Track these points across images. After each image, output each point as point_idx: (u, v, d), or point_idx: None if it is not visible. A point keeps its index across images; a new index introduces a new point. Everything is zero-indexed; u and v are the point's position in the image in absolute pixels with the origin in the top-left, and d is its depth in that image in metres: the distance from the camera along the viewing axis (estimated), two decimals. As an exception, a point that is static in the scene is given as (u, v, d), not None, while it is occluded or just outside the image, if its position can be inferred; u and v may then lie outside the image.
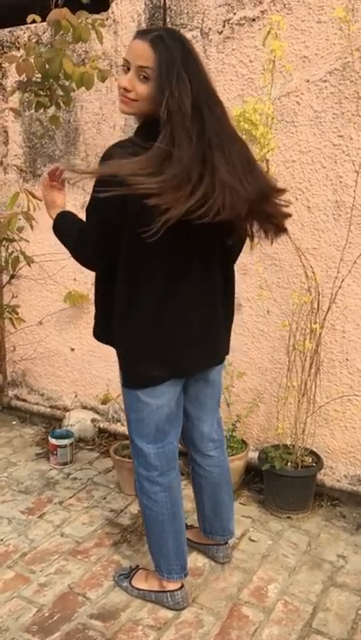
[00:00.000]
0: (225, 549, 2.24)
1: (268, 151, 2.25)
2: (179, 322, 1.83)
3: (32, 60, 2.47)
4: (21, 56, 2.51)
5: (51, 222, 1.95)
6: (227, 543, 2.25)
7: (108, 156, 1.66)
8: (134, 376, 1.88)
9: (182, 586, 2.02)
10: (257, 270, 2.70)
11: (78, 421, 3.24)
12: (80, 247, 1.82)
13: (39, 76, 2.52)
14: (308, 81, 2.46)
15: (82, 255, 1.83)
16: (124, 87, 1.67)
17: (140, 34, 1.68)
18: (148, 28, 1.74)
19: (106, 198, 1.58)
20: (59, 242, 1.92)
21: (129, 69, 1.67)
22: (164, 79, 1.59)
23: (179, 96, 1.58)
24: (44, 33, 3.04)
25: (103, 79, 2.53)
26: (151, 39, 1.63)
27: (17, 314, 3.31)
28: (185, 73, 1.60)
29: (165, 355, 1.84)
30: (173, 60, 1.60)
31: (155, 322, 1.81)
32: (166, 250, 1.71)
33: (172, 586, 2.01)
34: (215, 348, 2.00)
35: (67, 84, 2.58)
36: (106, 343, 1.98)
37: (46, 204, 1.99)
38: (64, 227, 1.91)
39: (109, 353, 2.03)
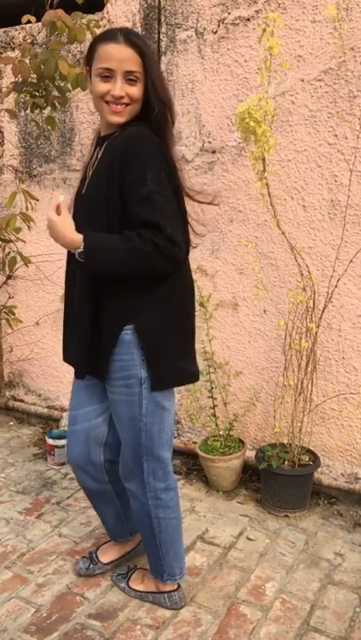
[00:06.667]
0: None
1: (269, 149, 2.24)
2: (194, 311, 1.88)
3: (28, 62, 2.46)
4: (17, 57, 2.51)
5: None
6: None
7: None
8: (169, 374, 1.77)
9: (179, 586, 2.03)
10: (253, 270, 2.71)
11: (76, 422, 3.24)
12: (164, 242, 1.59)
13: (35, 76, 2.52)
14: (302, 80, 2.47)
15: (171, 246, 1.60)
16: (119, 96, 1.65)
17: (109, 37, 1.66)
18: (107, 30, 1.74)
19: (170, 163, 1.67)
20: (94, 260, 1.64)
21: (108, 77, 1.65)
22: (155, 73, 1.68)
23: (164, 87, 1.74)
24: (39, 33, 3.04)
25: (98, 79, 2.53)
26: (127, 40, 1.64)
27: (14, 314, 3.31)
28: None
29: (193, 349, 1.85)
30: (152, 53, 1.71)
31: (187, 312, 1.81)
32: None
33: (169, 587, 2.01)
34: None
35: (62, 84, 2.58)
36: (100, 377, 1.82)
37: (65, 230, 1.64)
38: (109, 241, 1.64)
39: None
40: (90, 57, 1.70)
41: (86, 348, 1.78)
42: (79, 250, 1.63)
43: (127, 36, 1.65)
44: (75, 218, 1.82)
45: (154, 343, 1.73)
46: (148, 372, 1.75)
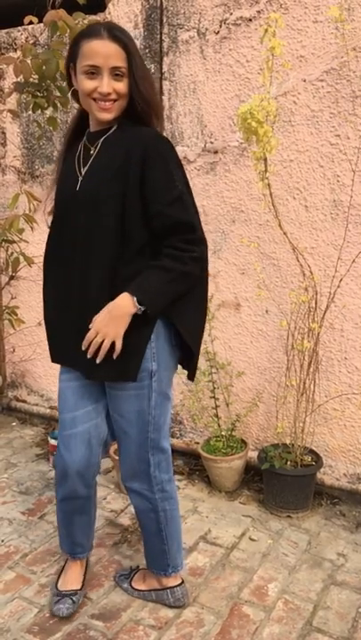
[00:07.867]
0: None
1: (271, 149, 2.24)
2: None
3: (29, 62, 2.47)
4: (18, 57, 2.52)
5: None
6: None
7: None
8: (193, 364, 1.86)
9: (182, 582, 2.03)
10: (255, 270, 2.71)
11: (78, 422, 3.24)
12: (200, 245, 1.67)
13: (36, 77, 2.53)
14: (304, 80, 2.46)
15: (202, 248, 1.69)
16: (107, 92, 1.64)
17: (93, 33, 1.64)
18: (89, 26, 1.71)
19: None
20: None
21: (94, 74, 1.63)
22: (139, 69, 1.66)
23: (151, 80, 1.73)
24: (41, 34, 3.05)
25: (100, 80, 2.53)
26: (111, 36, 1.62)
27: (16, 315, 3.32)
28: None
29: None
30: (136, 48, 1.68)
31: (206, 304, 1.85)
32: None
33: (172, 582, 2.01)
34: None
35: (64, 84, 2.58)
36: (132, 378, 1.74)
37: (113, 304, 1.64)
38: (153, 280, 1.63)
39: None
40: (73, 54, 1.68)
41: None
42: (136, 299, 1.61)
43: (111, 32, 1.63)
44: (62, 216, 1.79)
45: (189, 335, 1.78)
46: (186, 362, 1.83)
